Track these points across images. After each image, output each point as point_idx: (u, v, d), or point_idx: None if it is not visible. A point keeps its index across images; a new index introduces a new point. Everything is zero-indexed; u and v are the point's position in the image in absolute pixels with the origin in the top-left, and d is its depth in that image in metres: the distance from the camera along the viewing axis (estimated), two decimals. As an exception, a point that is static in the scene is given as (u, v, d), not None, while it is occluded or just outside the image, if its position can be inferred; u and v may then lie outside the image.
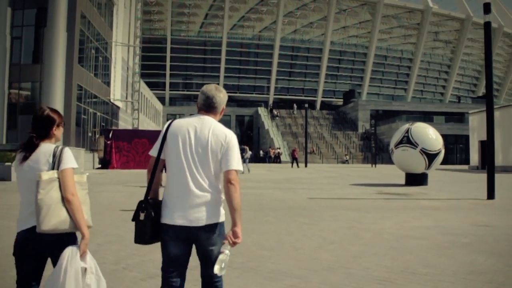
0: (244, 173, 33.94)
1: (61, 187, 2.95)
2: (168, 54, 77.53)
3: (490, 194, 14.01)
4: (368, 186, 19.03)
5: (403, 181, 20.16)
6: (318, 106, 79.75)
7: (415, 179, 19.56)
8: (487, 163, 14.76)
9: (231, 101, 78.84)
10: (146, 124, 53.33)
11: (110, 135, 30.30)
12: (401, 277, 5.26)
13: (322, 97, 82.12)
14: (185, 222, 3.00)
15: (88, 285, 2.94)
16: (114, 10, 38.55)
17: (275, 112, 70.58)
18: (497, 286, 4.98)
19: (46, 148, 3.03)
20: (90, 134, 31.84)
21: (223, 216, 3.13)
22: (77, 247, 2.96)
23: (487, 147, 15.08)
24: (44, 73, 27.24)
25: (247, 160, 30.99)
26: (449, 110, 66.02)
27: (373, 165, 44.84)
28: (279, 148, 55.72)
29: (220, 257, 3.00)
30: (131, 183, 19.06)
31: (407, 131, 19.54)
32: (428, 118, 55.90)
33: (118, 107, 40.22)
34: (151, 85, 66.44)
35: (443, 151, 19.39)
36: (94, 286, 2.97)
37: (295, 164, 40.71)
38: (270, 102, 78.51)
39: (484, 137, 38.53)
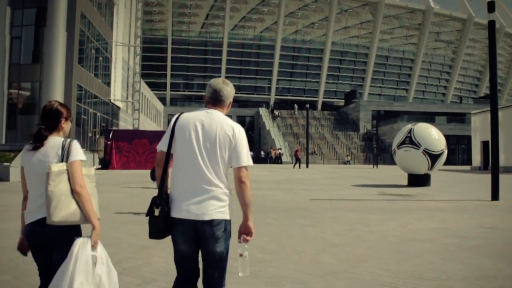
0: None
1: (70, 179, 2.96)
2: (169, 55, 77.42)
3: (495, 195, 13.80)
4: (370, 187, 18.82)
5: (405, 182, 19.96)
6: (319, 106, 79.55)
7: (418, 180, 19.36)
8: (492, 164, 14.54)
9: (232, 101, 78.26)
10: (147, 124, 53.16)
11: (110, 135, 30.09)
12: (408, 282, 5.06)
13: (323, 98, 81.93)
14: (192, 216, 2.97)
15: (98, 275, 2.94)
16: (115, 10, 38.38)
17: (276, 112, 70.38)
18: (508, 292, 4.78)
19: (54, 141, 3.05)
20: (90, 135, 31.64)
21: (230, 214, 3.08)
22: (88, 237, 2.97)
23: (491, 148, 14.85)
24: (43, 73, 27.09)
25: None
26: (450, 110, 65.78)
27: (375, 166, 44.63)
28: (280, 149, 55.52)
29: (240, 261, 3.05)
30: (130, 184, 18.87)
31: (410, 131, 19.33)
32: (430, 119, 55.71)
33: (118, 108, 40.03)
34: (152, 86, 66.36)
35: (446, 152, 19.20)
36: (104, 277, 2.97)
37: (297, 165, 40.52)
38: (271, 102, 78.38)
39: (486, 137, 38.53)
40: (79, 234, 3.06)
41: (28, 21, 28.85)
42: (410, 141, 19.04)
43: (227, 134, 3.04)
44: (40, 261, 3.09)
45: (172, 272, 5.45)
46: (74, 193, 2.95)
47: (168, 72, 77.64)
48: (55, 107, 3.14)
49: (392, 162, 51.28)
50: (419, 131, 19.32)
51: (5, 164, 20.17)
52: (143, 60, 70.17)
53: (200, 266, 3.14)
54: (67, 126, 3.19)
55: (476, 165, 42.19)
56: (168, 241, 3.20)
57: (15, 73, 27.69)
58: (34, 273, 3.38)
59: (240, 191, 3.04)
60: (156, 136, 30.33)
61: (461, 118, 60.63)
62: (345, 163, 53.63)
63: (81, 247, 2.91)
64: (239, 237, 3.08)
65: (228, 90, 3.20)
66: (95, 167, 30.48)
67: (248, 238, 3.06)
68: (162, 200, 3.02)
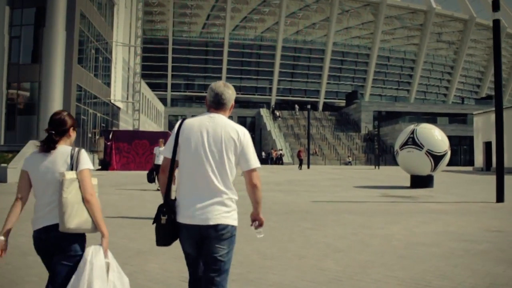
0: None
1: (80, 188, 3.02)
2: (170, 55, 77.24)
3: (500, 197, 13.56)
4: (373, 189, 18.58)
5: (408, 183, 19.72)
6: (320, 107, 79.33)
7: (421, 181, 19.12)
8: (497, 165, 14.31)
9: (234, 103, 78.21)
10: (147, 125, 52.93)
11: (110, 136, 29.85)
12: (415, 290, 4.82)
13: (325, 98, 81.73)
14: (197, 221, 2.99)
15: (112, 281, 2.98)
16: (115, 10, 38.16)
17: (277, 113, 70.16)
18: (521, 301, 4.54)
19: (63, 150, 3.09)
20: (90, 135, 31.39)
21: (236, 220, 3.10)
22: (99, 245, 3.02)
23: (496, 149, 14.62)
24: (43, 73, 26.87)
25: None
26: (452, 111, 65.45)
27: (376, 167, 44.37)
28: (281, 150, 55.26)
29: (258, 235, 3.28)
30: (129, 186, 18.66)
31: (413, 132, 19.10)
32: (432, 119, 55.50)
33: (118, 108, 39.78)
34: (152, 86, 66.16)
35: (449, 153, 18.96)
36: (118, 283, 3.01)
37: (301, 166, 40.35)
38: (272, 103, 78.18)
39: (488, 138, 38.32)
40: (84, 242, 3.11)
41: (27, 20, 28.62)
42: (413, 141, 18.81)
43: (232, 138, 3.06)
44: (48, 266, 3.11)
45: (168, 280, 5.26)
46: (84, 201, 3.00)
47: (169, 73, 77.44)
48: (65, 115, 3.20)
49: (393, 163, 51.11)
50: (422, 131, 19.09)
51: (3, 165, 19.93)
52: (144, 60, 70.00)
53: None
54: (74, 134, 3.24)
55: (478, 166, 41.91)
56: (165, 246, 3.19)
57: (14, 73, 27.47)
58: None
59: (252, 192, 3.12)
60: (156, 136, 30.08)
61: (463, 118, 60.30)
62: (346, 164, 53.37)
63: (94, 254, 2.95)
64: (252, 222, 3.23)
65: (230, 93, 3.20)
66: (94, 167, 30.29)
67: (260, 224, 3.21)
68: (168, 208, 3.04)
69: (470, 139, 47.95)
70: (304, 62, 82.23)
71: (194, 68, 78.83)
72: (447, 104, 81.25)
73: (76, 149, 3.12)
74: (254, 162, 3.10)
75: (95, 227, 3.05)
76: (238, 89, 79.08)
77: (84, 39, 30.42)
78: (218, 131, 3.05)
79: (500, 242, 7.46)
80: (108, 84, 36.02)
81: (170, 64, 77.30)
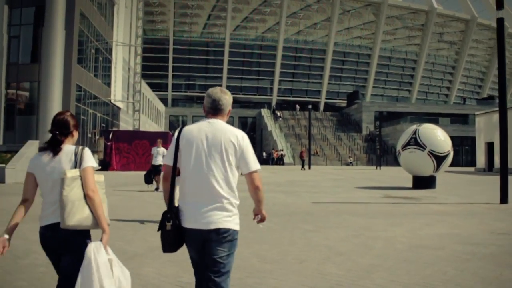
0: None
1: (83, 185, 3.09)
2: (171, 55, 76.93)
3: (504, 198, 13.34)
4: (374, 189, 18.38)
5: (410, 184, 19.52)
6: (321, 107, 79.09)
7: (423, 182, 18.92)
8: (500, 166, 14.07)
9: (234, 102, 76.29)
10: (148, 125, 52.70)
11: (110, 136, 29.63)
12: (421, 297, 4.62)
13: (326, 99, 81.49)
14: (199, 226, 3.05)
15: (117, 277, 3.05)
16: (115, 9, 37.94)
17: (278, 113, 69.97)
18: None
19: (68, 149, 3.18)
20: (89, 136, 31.14)
21: (237, 225, 3.16)
22: (99, 242, 3.06)
23: (500, 150, 14.36)
24: (42, 73, 26.63)
25: None
26: (454, 111, 65.20)
27: (378, 167, 44.13)
28: (282, 150, 55.04)
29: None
30: (129, 186, 18.47)
31: (415, 132, 18.90)
32: (433, 120, 55.30)
33: (119, 108, 39.52)
34: (153, 86, 65.98)
35: (452, 153, 18.75)
36: (122, 278, 3.08)
37: (305, 166, 40.16)
38: (273, 103, 77.92)
39: (491, 138, 38.14)
40: (89, 239, 3.16)
41: (26, 20, 28.36)
42: (415, 142, 18.61)
43: (231, 142, 3.12)
44: (53, 262, 3.20)
45: (164, 284, 5.05)
46: (86, 197, 3.07)
47: (170, 73, 77.19)
48: (68, 116, 3.30)
49: (395, 163, 50.92)
50: (424, 132, 18.89)
51: (1, 165, 19.75)
52: (144, 60, 69.86)
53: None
54: (76, 134, 3.34)
55: (480, 167, 41.67)
56: (161, 250, 3.21)
57: (13, 73, 27.26)
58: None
59: (254, 193, 3.20)
60: (156, 137, 29.83)
61: (464, 119, 60.05)
62: (347, 164, 53.13)
63: (95, 251, 2.99)
64: (255, 216, 3.32)
65: (227, 99, 3.27)
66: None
67: (263, 219, 3.31)
68: (172, 214, 3.10)
69: (472, 139, 47.69)
70: (305, 62, 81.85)
71: (195, 68, 78.55)
72: (448, 104, 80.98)
73: (80, 147, 3.20)
74: (254, 164, 3.16)
75: (96, 223, 3.10)
76: (239, 89, 79.63)
77: (83, 39, 30.19)
78: (217, 136, 3.12)
79: (507, 245, 7.26)
80: (108, 84, 35.77)
81: (170, 64, 77.00)
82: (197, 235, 3.05)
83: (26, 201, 3.18)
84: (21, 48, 28.31)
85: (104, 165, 29.62)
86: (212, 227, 3.02)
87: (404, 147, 19.11)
